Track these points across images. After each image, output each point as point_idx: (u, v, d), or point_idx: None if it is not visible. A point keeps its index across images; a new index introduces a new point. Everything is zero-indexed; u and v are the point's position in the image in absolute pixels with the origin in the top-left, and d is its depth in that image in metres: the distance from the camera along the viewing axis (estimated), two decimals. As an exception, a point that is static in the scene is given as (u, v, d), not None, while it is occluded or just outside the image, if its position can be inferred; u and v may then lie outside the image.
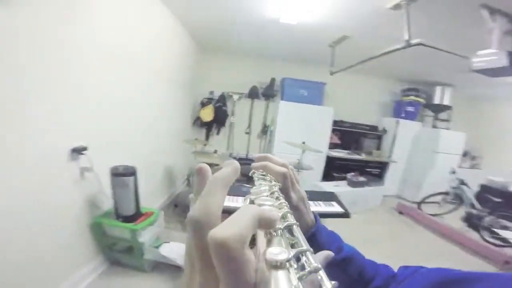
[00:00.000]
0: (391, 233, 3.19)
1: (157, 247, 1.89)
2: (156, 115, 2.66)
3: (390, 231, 3.26)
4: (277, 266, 0.13)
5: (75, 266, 1.61)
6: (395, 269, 0.43)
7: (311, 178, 3.70)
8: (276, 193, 0.27)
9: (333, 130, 4.18)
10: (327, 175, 4.15)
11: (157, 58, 2.47)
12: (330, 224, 2.14)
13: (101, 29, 1.61)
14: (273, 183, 0.31)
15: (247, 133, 4.37)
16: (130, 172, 1.69)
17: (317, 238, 0.39)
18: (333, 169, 4.17)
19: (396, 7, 1.84)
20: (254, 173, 0.35)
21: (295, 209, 0.38)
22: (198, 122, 4.09)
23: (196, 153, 2.89)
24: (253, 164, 0.36)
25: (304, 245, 0.16)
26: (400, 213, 3.79)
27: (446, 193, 3.68)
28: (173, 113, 3.23)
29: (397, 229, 3.33)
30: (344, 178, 3.80)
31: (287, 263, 0.14)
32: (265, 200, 0.23)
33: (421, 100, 4.28)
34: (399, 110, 4.34)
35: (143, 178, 1.98)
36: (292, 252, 0.15)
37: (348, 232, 3.18)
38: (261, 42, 3.32)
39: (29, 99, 1.19)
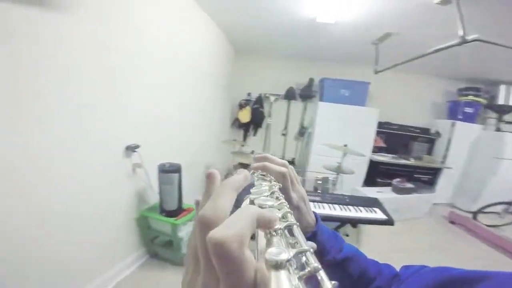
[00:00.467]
0: (441, 244, 2.91)
1: None
2: (199, 116, 2.79)
3: (440, 241, 2.97)
4: (277, 266, 0.13)
5: (120, 256, 1.74)
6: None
7: (352, 183, 3.49)
8: (276, 193, 0.27)
9: (378, 133, 3.88)
10: (370, 180, 3.88)
11: (199, 63, 2.59)
12: (372, 233, 2.02)
13: (150, 36, 1.74)
14: (273, 183, 0.31)
15: (283, 134, 4.32)
16: (175, 169, 1.78)
17: (318, 238, 0.39)
18: (377, 174, 3.88)
19: (445, 2, 1.69)
20: (254, 173, 0.36)
21: (296, 209, 0.38)
22: (236, 123, 4.18)
23: (235, 153, 2.95)
24: (253, 165, 0.37)
25: (304, 245, 0.16)
26: (452, 222, 3.42)
27: (509, 203, 3.31)
28: (214, 115, 3.35)
29: (447, 240, 3.02)
30: (388, 184, 3.52)
31: (287, 263, 0.13)
32: (265, 200, 0.23)
33: (482, 101, 3.76)
34: (455, 112, 3.86)
35: (185, 176, 2.08)
36: (292, 252, 0.15)
37: (392, 242, 2.97)
38: (298, 42, 3.27)
39: (94, 101, 1.33)
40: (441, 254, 2.69)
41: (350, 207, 1.83)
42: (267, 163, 0.36)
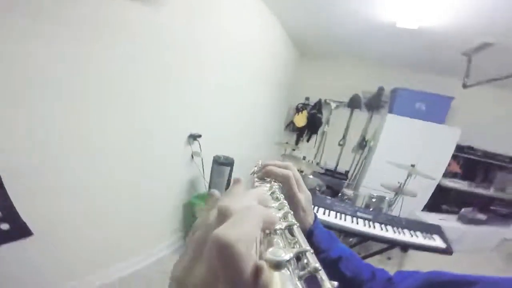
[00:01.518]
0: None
1: None
2: (257, 115, 2.86)
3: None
4: (277, 266, 0.13)
5: (162, 237, 1.86)
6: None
7: (411, 206, 3.05)
8: (276, 193, 0.27)
9: (455, 157, 3.33)
10: (433, 206, 3.40)
11: (264, 63, 2.64)
12: (421, 261, 1.72)
13: (224, 35, 1.84)
14: (273, 183, 0.32)
15: (340, 144, 4.07)
16: (229, 162, 1.87)
17: (315, 236, 0.39)
18: (444, 200, 3.43)
19: None
20: (253, 173, 0.36)
21: (303, 210, 0.38)
22: (290, 126, 4.14)
23: (285, 156, 2.93)
24: (256, 172, 0.37)
25: (304, 245, 0.17)
26: None
27: None
28: (270, 115, 3.39)
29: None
30: (455, 212, 3.12)
31: (287, 263, 0.13)
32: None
33: None
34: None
35: (236, 170, 2.16)
36: (292, 252, 0.14)
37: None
38: (373, 47, 3.03)
39: (165, 92, 1.49)
40: None
41: (406, 230, 1.67)
42: (270, 168, 0.36)
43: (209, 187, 1.94)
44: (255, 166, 0.40)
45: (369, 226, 1.67)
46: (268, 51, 2.78)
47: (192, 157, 1.85)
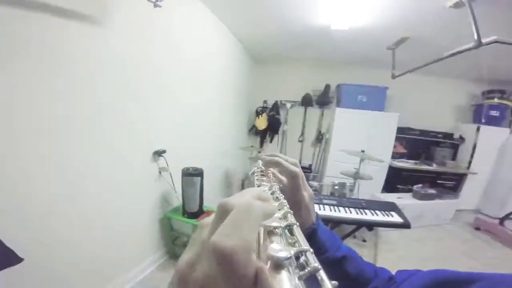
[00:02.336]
0: (466, 251, 2.82)
1: None
2: (220, 124, 2.93)
3: (463, 248, 2.89)
4: (277, 264, 0.13)
5: (142, 256, 1.83)
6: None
7: (370, 189, 3.44)
8: (276, 193, 0.27)
9: (398, 138, 3.81)
10: (390, 187, 3.80)
11: (219, 72, 2.72)
12: (391, 239, 1.96)
13: (178, 49, 1.89)
14: (273, 183, 0.31)
15: (300, 141, 4.35)
16: (198, 172, 1.90)
17: (318, 235, 0.38)
18: (398, 181, 3.80)
19: (457, 5, 1.69)
20: (253, 173, 0.36)
21: (306, 208, 0.37)
22: (253, 130, 4.28)
23: (252, 158, 3.04)
24: (265, 157, 0.37)
25: (304, 245, 0.16)
26: (477, 229, 3.30)
27: None
28: (233, 122, 3.48)
29: (473, 247, 2.93)
30: (409, 190, 3.44)
31: (287, 262, 0.14)
32: None
33: (509, 103, 3.61)
34: (480, 115, 3.72)
35: (206, 179, 2.18)
36: (293, 251, 0.15)
37: (412, 248, 2.87)
38: (314, 49, 3.33)
39: (128, 111, 1.48)
40: (469, 261, 2.60)
41: (367, 210, 1.83)
42: (281, 160, 0.36)
43: (183, 200, 1.94)
44: (255, 167, 0.40)
45: (335, 210, 1.81)
46: (225, 61, 2.88)
47: (160, 172, 1.84)
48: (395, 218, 1.76)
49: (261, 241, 0.17)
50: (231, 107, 3.27)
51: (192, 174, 1.87)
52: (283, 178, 0.39)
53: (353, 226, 2.05)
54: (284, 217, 0.21)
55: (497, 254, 2.75)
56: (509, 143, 3.67)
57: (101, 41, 1.26)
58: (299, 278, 0.13)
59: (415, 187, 3.34)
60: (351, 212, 1.80)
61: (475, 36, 1.56)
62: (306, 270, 0.14)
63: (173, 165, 1.89)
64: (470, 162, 3.76)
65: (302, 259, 0.15)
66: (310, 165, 4.31)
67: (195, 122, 2.29)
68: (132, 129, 1.54)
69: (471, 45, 1.61)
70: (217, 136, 2.91)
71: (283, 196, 0.27)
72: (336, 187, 2.94)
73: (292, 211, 0.22)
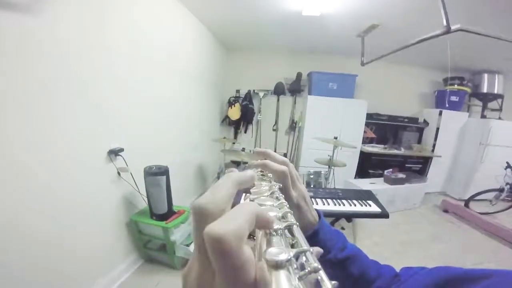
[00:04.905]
0: (436, 234, 2.95)
1: (188, 245, 1.92)
2: (187, 116, 2.74)
3: (434, 231, 3.02)
4: (277, 266, 0.13)
5: (113, 263, 1.69)
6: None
7: (344, 176, 3.51)
8: (276, 193, 0.27)
9: (368, 124, 3.93)
10: (362, 172, 3.93)
11: (185, 62, 2.52)
12: (367, 225, 2.01)
13: (138, 36, 1.69)
14: (273, 183, 0.31)
15: (274, 130, 4.31)
16: (162, 171, 1.73)
17: (320, 236, 0.38)
18: (369, 166, 3.93)
19: None
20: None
21: (296, 208, 0.37)
22: (226, 121, 4.13)
23: (225, 151, 2.91)
24: (252, 162, 0.36)
25: (304, 245, 0.16)
26: (445, 211, 3.47)
27: (501, 190, 3.35)
28: (203, 113, 3.30)
29: (442, 229, 3.07)
30: (380, 175, 3.55)
31: (287, 263, 0.13)
32: (265, 200, 0.23)
33: (467, 89, 3.86)
34: (442, 101, 3.93)
35: (175, 177, 2.03)
36: (292, 252, 0.14)
37: (387, 233, 2.93)
38: (285, 36, 3.25)
39: (75, 104, 1.27)
40: (439, 243, 2.71)
41: (344, 201, 1.81)
42: (267, 162, 0.35)
43: (148, 201, 1.78)
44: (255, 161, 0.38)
45: (312, 203, 1.81)
46: (192, 50, 2.69)
47: (119, 173, 1.65)
48: (373, 207, 1.76)
49: (261, 241, 0.16)
50: (200, 98, 3.08)
51: (155, 173, 1.70)
52: None
53: (332, 218, 2.04)
54: (284, 217, 0.21)
55: (465, 236, 2.90)
56: (468, 126, 3.95)
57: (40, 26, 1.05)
58: (299, 278, 0.13)
59: (385, 172, 3.45)
60: (328, 204, 1.78)
61: (444, 22, 1.56)
62: (306, 270, 0.14)
63: (135, 164, 1.71)
64: (434, 145, 3.98)
65: (302, 259, 0.15)
66: (285, 154, 4.29)
67: (158, 116, 2.10)
68: (80, 126, 1.33)
69: (438, 31, 1.62)
70: (185, 129, 2.72)
71: (283, 196, 0.27)
72: (312, 176, 2.95)
73: (292, 211, 0.22)
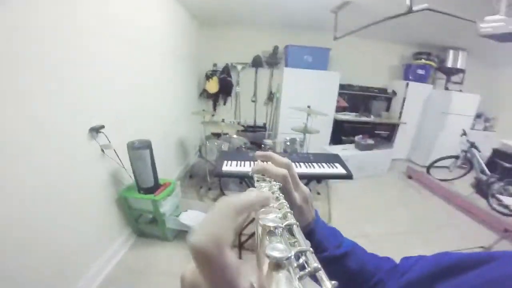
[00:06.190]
0: (400, 200, 3.14)
1: (177, 216, 2.01)
2: (165, 90, 2.74)
3: (399, 197, 3.21)
4: (277, 264, 0.14)
5: (108, 241, 1.78)
6: (397, 259, 0.42)
7: (320, 142, 3.78)
8: (276, 193, 0.27)
9: (341, 94, 4.14)
10: (336, 139, 4.22)
11: (156, 37, 2.44)
12: (340, 192, 2.40)
13: (111, 11, 1.65)
14: (273, 183, 0.32)
15: (253, 101, 4.39)
16: (145, 145, 1.78)
17: (316, 234, 0.38)
18: (342, 133, 4.21)
19: None
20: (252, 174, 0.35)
21: (298, 209, 0.37)
22: (204, 94, 4.13)
23: (205, 123, 2.98)
24: (253, 168, 0.36)
25: (304, 245, 0.16)
26: (410, 177, 3.75)
27: (456, 157, 3.54)
28: (181, 87, 3.28)
29: (406, 195, 3.27)
30: (352, 142, 3.83)
31: (287, 262, 0.14)
32: None
33: (433, 64, 4.13)
34: (409, 73, 4.21)
35: (158, 151, 2.08)
36: (292, 252, 0.15)
37: (355, 199, 3.08)
38: (261, 11, 3.21)
39: (50, 82, 1.26)
40: (402, 209, 2.87)
41: (314, 164, 1.95)
42: (267, 166, 0.35)
43: (135, 176, 1.84)
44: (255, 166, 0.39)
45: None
46: (163, 26, 2.59)
47: (103, 151, 1.70)
48: (339, 169, 1.89)
49: (261, 241, 0.17)
50: (174, 72, 3.03)
51: (139, 148, 1.76)
52: None
53: (305, 180, 2.24)
54: (284, 217, 0.21)
55: (426, 203, 3.06)
56: (431, 97, 4.29)
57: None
58: (299, 278, 0.13)
59: (356, 138, 3.71)
60: (301, 167, 1.90)
61: (407, 2, 1.64)
62: (306, 270, 0.14)
63: (117, 140, 1.75)
64: (401, 113, 4.31)
65: (302, 259, 0.15)
66: (265, 124, 4.45)
67: (135, 91, 2.09)
68: (58, 103, 1.34)
69: (402, 11, 1.71)
70: (164, 103, 2.74)
71: (283, 196, 0.27)
72: (288, 143, 3.14)
73: (292, 211, 0.22)
